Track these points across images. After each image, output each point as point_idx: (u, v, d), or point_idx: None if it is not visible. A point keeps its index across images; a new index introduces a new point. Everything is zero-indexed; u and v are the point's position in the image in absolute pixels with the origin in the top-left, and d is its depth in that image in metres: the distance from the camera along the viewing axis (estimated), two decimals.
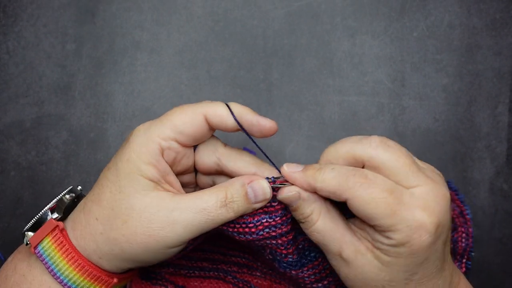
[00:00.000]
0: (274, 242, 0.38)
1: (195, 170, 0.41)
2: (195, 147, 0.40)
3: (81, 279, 0.37)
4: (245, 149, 0.42)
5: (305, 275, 0.40)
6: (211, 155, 0.39)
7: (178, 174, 0.39)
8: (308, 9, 0.53)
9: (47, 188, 0.52)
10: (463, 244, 0.45)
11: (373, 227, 0.35)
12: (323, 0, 0.53)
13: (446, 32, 0.53)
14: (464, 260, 0.46)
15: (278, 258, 0.39)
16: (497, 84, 0.53)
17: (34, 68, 0.53)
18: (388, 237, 0.34)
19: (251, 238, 0.38)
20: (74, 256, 0.37)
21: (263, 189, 0.37)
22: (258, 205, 0.37)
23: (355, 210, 0.34)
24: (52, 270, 0.37)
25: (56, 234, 0.37)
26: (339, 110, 0.53)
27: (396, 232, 0.33)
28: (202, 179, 0.42)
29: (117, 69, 0.53)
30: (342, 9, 0.53)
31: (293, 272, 0.40)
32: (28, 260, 0.39)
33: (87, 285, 0.37)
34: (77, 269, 0.37)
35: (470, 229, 0.46)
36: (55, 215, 0.39)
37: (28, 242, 0.38)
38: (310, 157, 0.52)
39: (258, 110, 0.53)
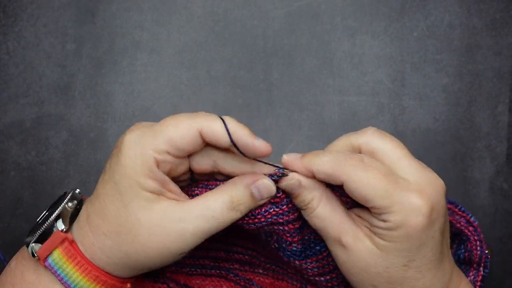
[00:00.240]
0: (281, 228, 0.38)
1: (190, 170, 0.41)
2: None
3: (96, 287, 0.37)
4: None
5: (308, 267, 0.40)
6: (207, 160, 0.39)
7: (174, 179, 0.39)
8: (308, 9, 0.53)
9: (47, 188, 0.52)
10: (479, 252, 0.45)
11: (370, 210, 0.35)
12: (323, 0, 0.53)
13: (446, 32, 0.53)
14: (481, 268, 0.46)
15: (283, 245, 0.40)
16: (497, 84, 0.53)
17: (34, 68, 0.53)
18: (384, 220, 0.34)
19: (260, 225, 0.38)
20: (88, 267, 0.37)
21: (268, 187, 0.37)
22: (263, 201, 0.38)
23: (351, 192, 0.35)
24: (65, 282, 0.37)
25: (66, 247, 0.37)
26: (339, 110, 0.53)
27: (391, 214, 0.34)
28: (200, 177, 0.42)
29: (117, 69, 0.53)
30: (342, 9, 0.53)
31: (296, 262, 0.40)
32: (35, 269, 0.38)
33: None
34: (91, 280, 0.37)
35: (482, 235, 0.46)
36: (62, 226, 0.38)
37: (36, 255, 0.37)
38: None
39: (258, 110, 0.53)
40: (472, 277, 0.45)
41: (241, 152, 0.37)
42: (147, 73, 0.53)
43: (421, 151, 0.52)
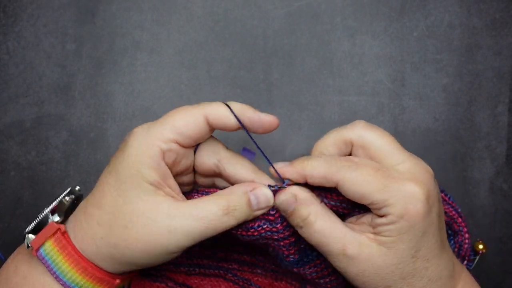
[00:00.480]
0: (276, 243, 0.38)
1: (194, 170, 0.41)
2: (195, 148, 0.40)
3: (84, 281, 0.37)
4: (245, 149, 0.42)
5: (307, 272, 0.40)
6: (212, 157, 0.39)
7: (177, 175, 0.39)
8: (308, 9, 0.53)
9: (47, 188, 0.52)
10: (467, 245, 0.46)
11: (370, 209, 0.35)
12: (323, 0, 0.53)
13: (446, 32, 0.53)
14: (465, 262, 0.46)
15: (280, 256, 0.40)
16: (497, 84, 0.53)
17: (34, 68, 0.53)
18: (385, 215, 0.35)
19: (254, 239, 0.38)
20: (77, 258, 0.37)
21: (266, 196, 0.37)
22: (259, 212, 0.37)
23: (346, 192, 0.35)
24: (54, 273, 0.37)
25: (58, 237, 0.37)
26: (339, 110, 0.53)
27: (390, 207, 0.34)
28: (202, 178, 0.42)
29: (117, 69, 0.53)
30: (342, 9, 0.53)
31: (294, 269, 0.40)
32: (29, 262, 0.38)
33: (90, 287, 0.37)
34: (79, 271, 0.37)
35: (465, 229, 0.46)
36: (56, 218, 0.38)
37: (30, 245, 0.38)
38: None
39: (257, 109, 0.53)
40: None
41: (248, 133, 0.38)
42: (147, 73, 0.53)
43: (421, 151, 0.52)
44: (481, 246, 0.49)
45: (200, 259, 0.46)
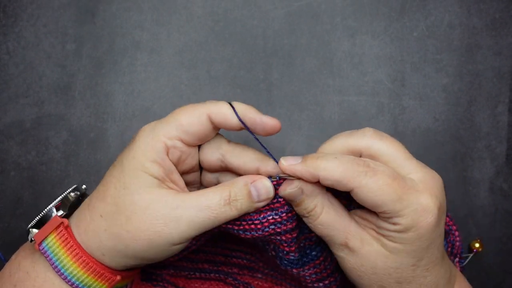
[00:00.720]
0: (279, 238, 0.38)
1: (200, 169, 0.42)
2: (199, 146, 0.40)
3: (85, 275, 0.37)
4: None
5: (306, 274, 0.40)
6: (215, 152, 0.39)
7: (183, 173, 0.40)
8: (308, 9, 0.53)
9: (47, 188, 0.52)
10: (458, 243, 0.46)
11: (378, 215, 0.35)
12: (323, 0, 0.53)
13: (446, 32, 0.53)
14: (457, 260, 0.46)
15: (280, 254, 0.39)
16: (497, 84, 0.53)
17: (34, 68, 0.53)
18: (394, 223, 0.34)
19: (256, 235, 0.38)
20: (79, 252, 0.37)
21: (266, 188, 0.37)
22: (261, 204, 0.38)
23: (361, 199, 0.35)
24: (56, 267, 0.37)
25: (61, 231, 0.37)
26: (339, 110, 0.53)
27: (402, 217, 0.34)
28: (207, 178, 0.42)
29: (117, 69, 0.53)
30: (342, 9, 0.53)
31: (294, 270, 0.40)
32: (32, 257, 0.39)
33: (91, 282, 0.37)
34: (81, 266, 0.37)
35: (454, 227, 0.46)
36: (60, 212, 0.39)
37: (33, 239, 0.38)
38: None
39: (258, 110, 0.53)
40: None
41: (250, 131, 0.38)
42: (147, 73, 0.53)
43: (421, 151, 0.52)
44: (477, 245, 0.49)
45: (200, 263, 0.46)
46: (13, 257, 0.41)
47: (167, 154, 0.37)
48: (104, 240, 0.37)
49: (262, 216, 0.37)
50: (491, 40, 0.53)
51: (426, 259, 0.35)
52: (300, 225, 0.39)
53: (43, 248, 0.37)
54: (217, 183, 0.41)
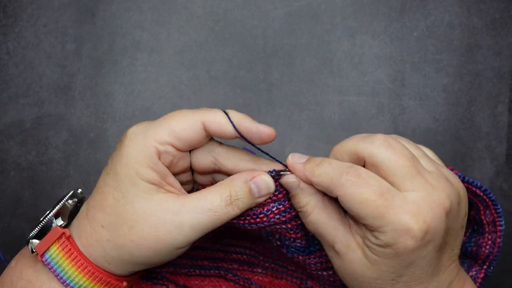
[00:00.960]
0: (284, 226, 0.38)
1: (191, 168, 0.41)
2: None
3: (91, 285, 0.37)
4: (245, 149, 0.42)
5: (312, 262, 0.40)
6: (207, 156, 0.39)
7: (175, 175, 0.39)
8: (308, 9, 0.53)
9: (47, 188, 0.52)
10: (487, 251, 0.45)
11: (363, 225, 0.35)
12: (323, 0, 0.53)
13: (446, 32, 0.53)
14: (485, 267, 0.45)
15: (287, 242, 0.40)
16: (497, 84, 0.53)
17: (34, 68, 0.53)
18: (376, 237, 0.34)
19: (262, 225, 0.38)
20: (84, 263, 0.36)
21: (267, 183, 0.37)
22: (261, 199, 0.37)
23: (345, 208, 0.35)
24: (61, 278, 0.36)
25: (63, 242, 0.37)
26: (339, 110, 0.53)
27: (383, 234, 0.33)
28: (201, 176, 0.42)
29: (117, 69, 0.53)
30: (342, 9, 0.53)
31: (300, 257, 0.40)
32: (34, 267, 0.38)
33: None
34: (86, 276, 0.36)
35: (498, 239, 0.45)
36: (60, 222, 0.38)
37: (34, 250, 0.37)
38: None
39: (258, 110, 0.53)
40: (474, 272, 0.44)
41: (246, 140, 0.37)
42: (147, 73, 0.53)
43: None
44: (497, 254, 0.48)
45: (200, 260, 0.46)
46: (13, 263, 0.40)
47: (159, 159, 0.37)
48: (108, 250, 0.36)
49: (266, 209, 0.38)
50: (491, 40, 0.53)
51: (407, 277, 0.35)
52: None
53: (46, 260, 0.37)
54: (212, 181, 0.41)
